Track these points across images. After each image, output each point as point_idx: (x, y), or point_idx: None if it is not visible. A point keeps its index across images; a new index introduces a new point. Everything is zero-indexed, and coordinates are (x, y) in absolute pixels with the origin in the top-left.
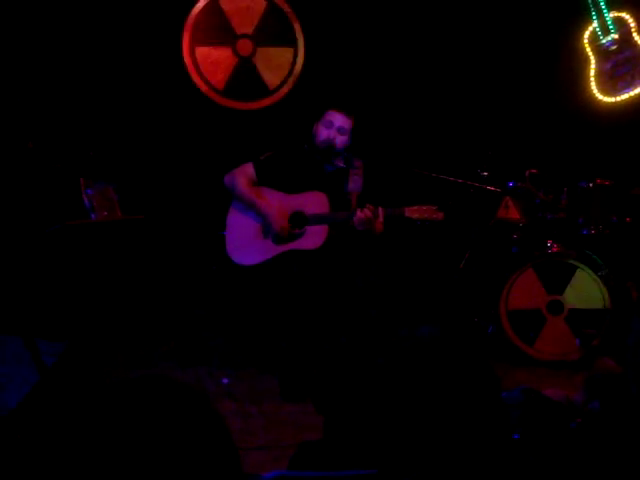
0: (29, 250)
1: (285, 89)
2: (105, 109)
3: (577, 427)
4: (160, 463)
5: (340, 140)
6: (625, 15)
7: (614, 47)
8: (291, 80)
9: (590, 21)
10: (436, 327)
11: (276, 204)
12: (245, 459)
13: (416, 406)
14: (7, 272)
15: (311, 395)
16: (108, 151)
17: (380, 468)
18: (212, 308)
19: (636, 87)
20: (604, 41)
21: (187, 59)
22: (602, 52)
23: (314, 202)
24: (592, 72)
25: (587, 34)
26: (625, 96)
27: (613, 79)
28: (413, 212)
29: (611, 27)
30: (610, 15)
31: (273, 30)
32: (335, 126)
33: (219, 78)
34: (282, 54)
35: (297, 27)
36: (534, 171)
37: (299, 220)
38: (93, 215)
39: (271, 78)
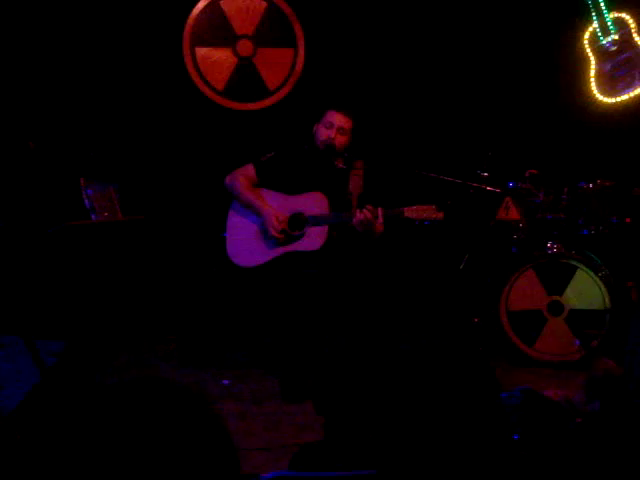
0: (29, 250)
1: (285, 90)
2: (105, 110)
3: (577, 427)
4: (159, 464)
5: (340, 140)
6: (625, 16)
7: (614, 48)
8: (291, 81)
9: (590, 22)
10: (435, 333)
11: (275, 205)
12: (246, 460)
13: (416, 406)
14: (7, 272)
15: (311, 396)
16: (109, 151)
17: (380, 468)
18: (212, 309)
19: (636, 88)
20: (604, 42)
21: (187, 60)
22: (602, 53)
23: (314, 203)
24: (592, 73)
25: (587, 35)
26: (625, 97)
27: (613, 80)
28: (412, 212)
29: (611, 28)
30: (610, 16)
31: (273, 31)
32: (335, 126)
33: (219, 79)
34: (282, 55)
35: (297, 28)
36: (534, 171)
37: (299, 221)
38: (93, 215)
39: (271, 79)
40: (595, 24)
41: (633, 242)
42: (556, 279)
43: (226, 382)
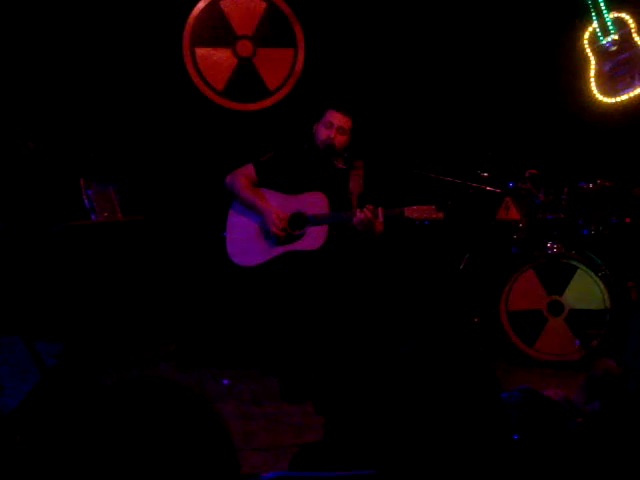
0: (29, 251)
1: (285, 90)
2: (105, 110)
3: (577, 427)
4: (159, 464)
5: (340, 140)
6: (625, 16)
7: (614, 48)
8: (291, 81)
9: (590, 22)
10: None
11: (276, 205)
12: (246, 460)
13: (416, 407)
14: (7, 273)
15: (311, 396)
16: (108, 152)
17: (380, 468)
18: (213, 309)
19: (636, 88)
20: (604, 42)
21: (187, 60)
22: (602, 53)
23: (314, 203)
24: (592, 73)
25: (587, 35)
26: (625, 97)
27: (613, 80)
28: (413, 212)
29: (611, 28)
30: (610, 16)
31: (273, 31)
32: (335, 126)
33: (219, 79)
34: (282, 55)
35: (297, 28)
36: (534, 171)
37: (299, 221)
38: (93, 216)
39: (271, 79)
40: (595, 24)
41: (633, 242)
42: (556, 279)
43: (226, 382)
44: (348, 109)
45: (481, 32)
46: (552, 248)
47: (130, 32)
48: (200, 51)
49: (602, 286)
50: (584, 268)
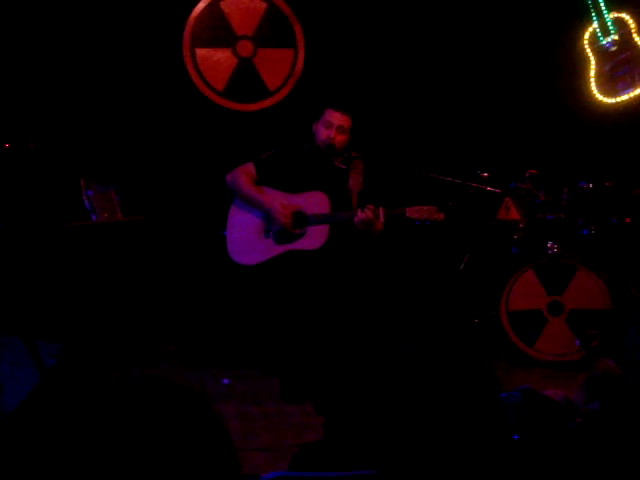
0: (29, 251)
1: (285, 90)
2: (105, 111)
3: (577, 427)
4: (158, 464)
5: (340, 139)
6: (625, 16)
7: (614, 48)
8: (291, 81)
9: (590, 22)
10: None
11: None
12: (246, 460)
13: (416, 407)
14: (7, 273)
15: (311, 396)
16: (108, 152)
17: (380, 468)
18: (213, 309)
19: (636, 88)
20: (604, 42)
21: (187, 60)
22: (602, 53)
23: (315, 202)
24: (592, 73)
25: (587, 35)
26: (625, 97)
27: (613, 80)
28: (414, 212)
29: (611, 28)
30: (610, 16)
31: (273, 31)
32: (334, 125)
33: (219, 79)
34: (282, 55)
35: (297, 28)
36: (534, 171)
37: (300, 220)
38: (93, 216)
39: (271, 79)
40: (595, 24)
41: (633, 242)
42: (556, 279)
43: (226, 382)
44: (347, 108)
45: (481, 32)
46: (552, 248)
47: (130, 32)
48: (200, 51)
49: (602, 286)
50: (584, 268)
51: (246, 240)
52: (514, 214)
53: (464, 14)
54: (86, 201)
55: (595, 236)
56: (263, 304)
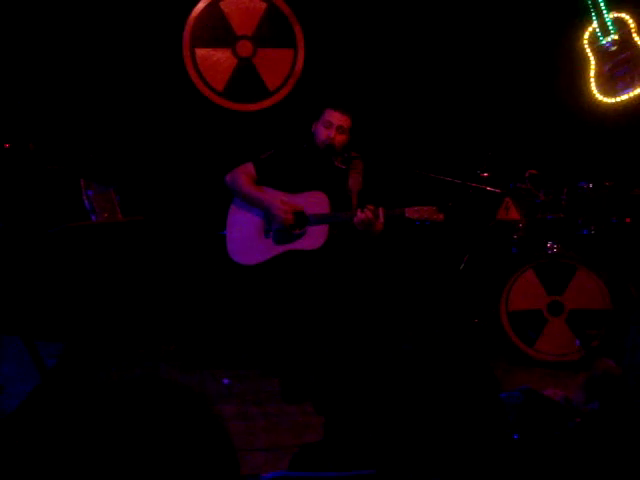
0: (29, 251)
1: (285, 90)
2: (105, 111)
3: (576, 427)
4: (159, 464)
5: (339, 139)
6: (625, 16)
7: (614, 48)
8: (291, 81)
9: (590, 22)
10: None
11: None
12: (246, 460)
13: (416, 407)
14: (7, 273)
15: (311, 396)
16: (108, 153)
17: (380, 468)
18: (213, 309)
19: (636, 88)
20: (604, 42)
21: (187, 60)
22: (602, 53)
23: (314, 202)
24: (592, 73)
25: (587, 35)
26: (625, 97)
27: (613, 80)
28: (414, 213)
29: (611, 28)
30: (610, 16)
31: (273, 31)
32: (334, 125)
33: (219, 79)
34: (282, 55)
35: (297, 28)
36: (534, 171)
37: (300, 220)
38: (93, 216)
39: (271, 79)
40: (595, 24)
41: (633, 242)
42: (556, 279)
43: (226, 381)
44: (347, 108)
45: (481, 32)
46: (552, 248)
47: (130, 33)
48: (200, 51)
49: (602, 286)
50: (584, 268)
51: (246, 240)
52: (514, 214)
53: (464, 14)
54: (86, 201)
55: (595, 236)
56: (263, 304)
